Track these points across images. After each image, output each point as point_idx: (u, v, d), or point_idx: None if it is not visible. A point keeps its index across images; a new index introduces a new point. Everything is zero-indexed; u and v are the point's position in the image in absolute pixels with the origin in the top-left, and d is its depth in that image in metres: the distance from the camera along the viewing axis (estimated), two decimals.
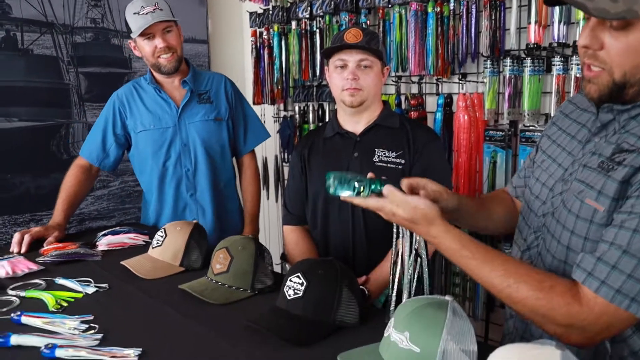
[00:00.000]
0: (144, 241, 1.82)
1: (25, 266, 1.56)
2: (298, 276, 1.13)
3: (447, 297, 0.93)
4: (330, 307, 1.11)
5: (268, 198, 3.17)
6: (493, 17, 2.04)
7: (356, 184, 1.03)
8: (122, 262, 1.54)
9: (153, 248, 1.58)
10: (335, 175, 1.04)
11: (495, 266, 0.95)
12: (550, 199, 1.07)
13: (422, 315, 0.90)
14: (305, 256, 1.72)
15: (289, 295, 1.13)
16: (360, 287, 1.55)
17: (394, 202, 1.02)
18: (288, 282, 1.15)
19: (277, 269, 3.04)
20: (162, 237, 1.57)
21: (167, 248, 1.55)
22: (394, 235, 1.11)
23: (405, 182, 1.10)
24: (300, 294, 1.11)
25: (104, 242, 1.77)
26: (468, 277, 2.25)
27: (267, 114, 3.13)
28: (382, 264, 1.60)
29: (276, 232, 3.24)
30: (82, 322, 1.19)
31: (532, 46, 1.96)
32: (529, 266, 0.98)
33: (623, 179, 0.89)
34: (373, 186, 1.04)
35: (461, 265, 1.01)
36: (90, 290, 1.39)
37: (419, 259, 1.10)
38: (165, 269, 1.50)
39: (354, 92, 1.58)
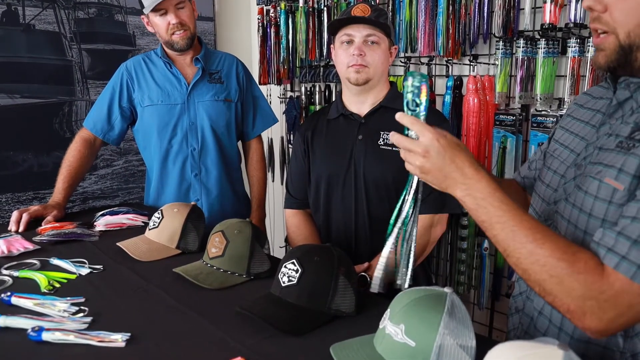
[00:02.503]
0: (142, 222, 1.79)
1: (21, 245, 1.54)
2: (293, 262, 1.09)
3: (446, 289, 0.89)
4: (325, 296, 1.07)
5: (273, 180, 3.13)
6: None
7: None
8: (117, 244, 1.51)
9: (150, 230, 1.55)
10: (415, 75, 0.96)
11: (525, 219, 0.86)
12: (562, 186, 1.01)
13: (419, 307, 0.86)
14: (307, 241, 1.69)
15: (283, 282, 1.09)
16: (362, 274, 1.52)
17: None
18: (283, 269, 1.11)
19: (282, 251, 3.03)
20: (159, 218, 1.54)
21: (163, 230, 1.52)
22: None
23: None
24: (295, 281, 1.07)
25: (102, 223, 1.75)
26: (474, 265, 2.20)
27: (273, 94, 3.08)
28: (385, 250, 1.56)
29: (281, 215, 3.20)
30: (73, 304, 1.16)
31: (547, 27, 1.87)
32: (556, 233, 0.89)
33: None
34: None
35: (486, 214, 0.88)
36: (84, 271, 1.37)
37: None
38: (161, 252, 1.47)
39: (359, 69, 1.52)
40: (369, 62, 1.53)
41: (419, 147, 0.92)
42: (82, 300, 1.19)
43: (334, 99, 2.73)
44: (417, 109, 0.96)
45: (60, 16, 2.57)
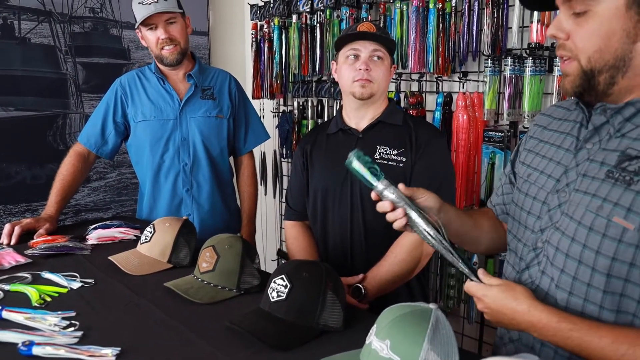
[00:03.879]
0: (135, 235, 1.80)
1: (12, 258, 1.55)
2: (282, 278, 1.11)
3: (431, 305, 0.91)
4: (313, 311, 1.08)
5: (266, 194, 3.15)
6: (495, 15, 2.00)
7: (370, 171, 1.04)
8: (109, 258, 1.52)
9: (141, 244, 1.56)
10: (357, 154, 1.06)
11: (603, 334, 0.86)
12: (546, 213, 1.01)
13: (404, 323, 0.88)
14: (304, 252, 1.71)
15: (273, 298, 1.11)
16: (357, 285, 1.54)
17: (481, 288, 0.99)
18: (272, 284, 1.13)
19: (274, 264, 3.04)
20: (150, 233, 1.55)
21: (155, 244, 1.53)
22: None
23: (402, 187, 1.05)
24: (284, 296, 1.09)
25: (94, 236, 1.76)
26: (464, 279, 2.22)
27: (266, 108, 3.11)
28: (380, 262, 1.58)
29: (273, 228, 3.22)
30: (64, 318, 1.17)
31: (534, 46, 1.92)
32: (635, 328, 0.90)
33: None
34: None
35: (560, 342, 0.89)
36: (76, 285, 1.38)
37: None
38: (153, 265, 1.49)
39: (365, 84, 1.56)
40: (374, 77, 1.57)
41: (480, 304, 0.99)
42: (73, 314, 1.20)
43: (326, 114, 2.77)
44: (376, 176, 1.04)
45: (55, 30, 2.60)
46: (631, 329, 0.88)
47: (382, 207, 1.05)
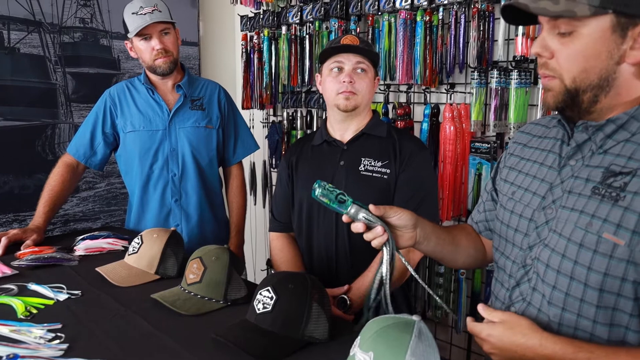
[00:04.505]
0: (123, 246, 1.80)
1: None
2: (268, 290, 1.11)
3: (415, 317, 0.92)
4: (299, 322, 1.09)
5: (255, 204, 3.15)
6: (481, 28, 2.03)
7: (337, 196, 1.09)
8: (96, 269, 1.52)
9: (129, 255, 1.57)
10: (321, 184, 1.10)
11: (616, 356, 0.86)
12: (533, 230, 1.03)
13: (387, 335, 0.89)
14: (289, 263, 1.71)
15: (258, 310, 1.11)
16: (342, 296, 1.55)
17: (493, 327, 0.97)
18: (258, 296, 1.13)
19: (264, 274, 3.03)
20: (138, 244, 1.55)
21: (142, 255, 1.53)
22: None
23: (372, 208, 1.07)
24: (269, 308, 1.10)
25: (82, 247, 1.75)
26: (452, 289, 2.24)
27: (256, 119, 3.12)
28: (364, 273, 1.59)
29: (263, 238, 3.22)
30: (49, 330, 1.17)
31: (519, 58, 1.95)
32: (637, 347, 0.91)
33: None
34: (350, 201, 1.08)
35: None
36: (62, 297, 1.37)
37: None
38: (140, 277, 1.49)
39: (349, 96, 1.57)
40: (358, 90, 1.58)
41: (486, 346, 0.98)
42: (59, 326, 1.20)
43: (315, 124, 2.79)
44: (344, 201, 1.09)
45: (45, 40, 2.60)
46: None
47: (356, 228, 1.08)
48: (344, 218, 1.10)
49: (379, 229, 1.07)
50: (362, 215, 1.07)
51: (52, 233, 2.39)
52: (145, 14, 1.87)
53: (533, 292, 1.01)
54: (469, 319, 1.01)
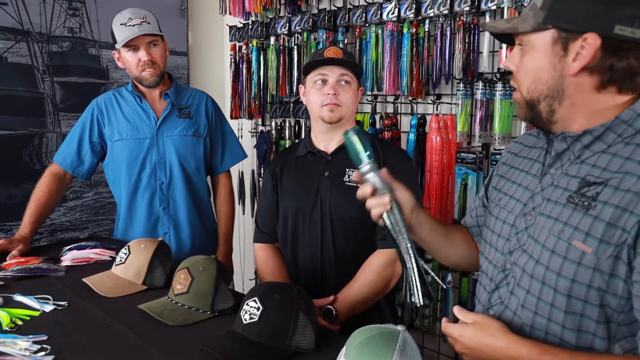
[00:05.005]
0: (110, 257, 1.80)
1: None
2: (254, 300, 1.12)
3: (399, 327, 0.93)
4: (285, 333, 1.10)
5: (244, 213, 3.16)
6: (467, 40, 2.07)
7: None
8: (83, 280, 1.52)
9: (116, 265, 1.56)
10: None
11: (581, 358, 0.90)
12: (514, 236, 1.06)
13: (372, 345, 0.90)
14: (274, 275, 1.72)
15: (245, 320, 1.12)
16: (328, 307, 1.56)
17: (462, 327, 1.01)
18: (245, 306, 1.14)
19: (252, 284, 3.03)
20: (125, 254, 1.55)
21: (130, 266, 1.53)
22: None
23: (384, 172, 1.09)
24: (256, 318, 1.11)
25: (69, 257, 1.75)
26: (439, 298, 2.25)
27: (244, 128, 3.13)
28: (350, 283, 1.60)
29: (251, 248, 3.20)
30: (35, 342, 1.16)
31: (503, 70, 1.98)
32: (613, 355, 0.93)
33: (611, 221, 0.89)
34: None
35: None
36: (48, 308, 1.37)
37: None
38: (127, 288, 1.48)
39: (333, 108, 1.59)
40: (342, 102, 1.60)
41: (457, 346, 1.01)
42: (45, 338, 1.19)
43: (303, 134, 2.81)
44: (362, 162, 1.08)
45: (33, 49, 2.60)
46: (608, 356, 0.92)
47: (364, 192, 1.08)
48: (354, 175, 1.10)
49: (386, 198, 1.06)
50: (372, 176, 1.06)
51: (39, 243, 2.38)
52: (133, 25, 1.88)
53: (510, 296, 1.04)
54: (444, 320, 1.04)
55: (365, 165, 1.07)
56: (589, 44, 0.91)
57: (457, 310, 1.03)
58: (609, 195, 0.90)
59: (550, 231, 0.97)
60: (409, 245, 1.06)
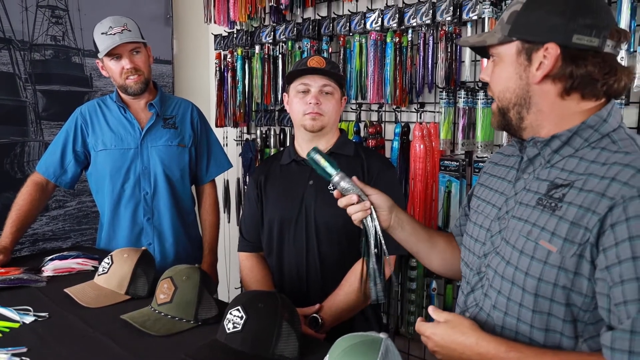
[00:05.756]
0: (93, 266, 1.78)
1: None
2: (238, 309, 1.12)
3: (382, 335, 0.94)
4: (269, 342, 1.10)
5: (229, 221, 3.15)
6: (449, 50, 2.09)
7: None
8: (65, 290, 1.50)
9: (99, 275, 1.55)
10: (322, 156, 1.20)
11: (543, 356, 0.93)
12: (489, 239, 1.09)
13: (355, 353, 0.90)
14: (259, 283, 1.71)
15: (228, 329, 1.12)
16: (313, 315, 1.56)
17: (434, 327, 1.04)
18: (228, 315, 1.14)
19: (238, 292, 3.01)
20: (108, 264, 1.54)
21: (112, 275, 1.52)
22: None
23: (355, 179, 1.20)
24: (239, 327, 1.10)
25: (50, 268, 1.73)
26: (423, 305, 2.26)
27: (229, 137, 3.13)
28: (335, 292, 1.60)
29: (237, 256, 3.20)
30: (14, 355, 1.15)
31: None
32: (578, 353, 0.95)
33: (574, 220, 0.91)
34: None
35: None
36: (29, 319, 1.35)
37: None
38: (110, 298, 1.47)
39: (315, 117, 1.60)
40: (324, 111, 1.61)
41: (430, 344, 1.05)
42: (24, 350, 1.18)
43: (288, 142, 2.81)
44: (332, 175, 1.20)
45: (15, 57, 2.57)
46: (572, 354, 0.94)
47: (346, 200, 1.19)
48: (335, 193, 1.21)
49: (367, 203, 1.17)
50: (345, 183, 1.17)
51: (20, 253, 2.35)
52: (114, 34, 1.88)
53: (485, 298, 1.07)
54: (418, 320, 1.08)
55: (335, 176, 1.17)
56: (549, 53, 0.96)
57: (431, 309, 1.06)
58: (574, 196, 0.94)
59: (520, 232, 1.01)
60: (372, 249, 1.18)
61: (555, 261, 0.93)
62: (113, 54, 1.90)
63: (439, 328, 1.02)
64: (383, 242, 1.19)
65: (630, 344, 0.83)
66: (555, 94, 0.99)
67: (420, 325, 1.06)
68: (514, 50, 1.00)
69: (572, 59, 0.96)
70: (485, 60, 1.97)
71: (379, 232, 1.17)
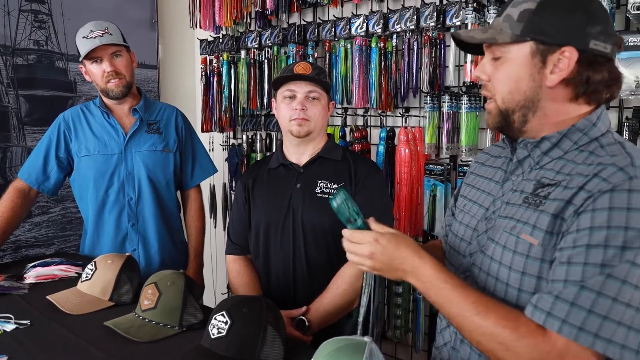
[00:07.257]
0: (76, 273, 1.76)
1: None
2: (222, 314, 1.12)
3: (366, 338, 0.94)
4: (254, 347, 1.09)
5: (215, 226, 3.13)
6: (433, 55, 2.11)
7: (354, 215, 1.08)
8: (47, 297, 1.48)
9: (82, 282, 1.53)
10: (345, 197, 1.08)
11: (468, 294, 0.95)
12: (475, 239, 1.10)
13: (340, 356, 0.90)
14: (247, 286, 1.71)
15: (213, 334, 1.11)
16: (300, 317, 1.56)
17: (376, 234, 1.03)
18: (213, 321, 1.13)
19: (224, 298, 3.00)
20: (92, 270, 1.52)
21: (96, 282, 1.50)
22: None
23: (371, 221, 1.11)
24: (224, 333, 1.10)
25: (33, 274, 1.71)
26: (410, 309, 2.27)
27: (215, 141, 3.12)
28: (322, 294, 1.60)
29: (223, 262, 3.19)
30: None
31: (469, 84, 2.03)
32: (498, 301, 0.98)
33: (555, 212, 0.92)
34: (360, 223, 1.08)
35: (432, 291, 0.99)
36: (10, 327, 1.33)
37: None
38: (93, 304, 1.46)
39: (301, 122, 1.61)
40: (310, 116, 1.62)
41: (365, 251, 1.03)
42: (5, 358, 1.16)
43: (274, 147, 2.81)
44: (355, 217, 1.09)
45: None
46: (492, 298, 0.96)
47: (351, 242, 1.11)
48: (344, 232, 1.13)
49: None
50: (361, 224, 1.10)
51: (2, 260, 2.32)
52: (95, 37, 1.87)
53: None
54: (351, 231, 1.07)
55: (358, 221, 1.08)
56: (566, 57, 0.94)
57: (372, 221, 1.07)
58: (558, 193, 0.94)
59: (504, 229, 1.01)
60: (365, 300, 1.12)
61: (537, 254, 0.94)
62: (94, 57, 1.89)
63: (383, 238, 1.02)
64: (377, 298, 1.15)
65: (552, 307, 0.86)
66: (564, 98, 0.99)
67: (357, 233, 1.04)
68: (528, 51, 0.97)
69: (589, 64, 0.95)
70: (469, 63, 2.01)
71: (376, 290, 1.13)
